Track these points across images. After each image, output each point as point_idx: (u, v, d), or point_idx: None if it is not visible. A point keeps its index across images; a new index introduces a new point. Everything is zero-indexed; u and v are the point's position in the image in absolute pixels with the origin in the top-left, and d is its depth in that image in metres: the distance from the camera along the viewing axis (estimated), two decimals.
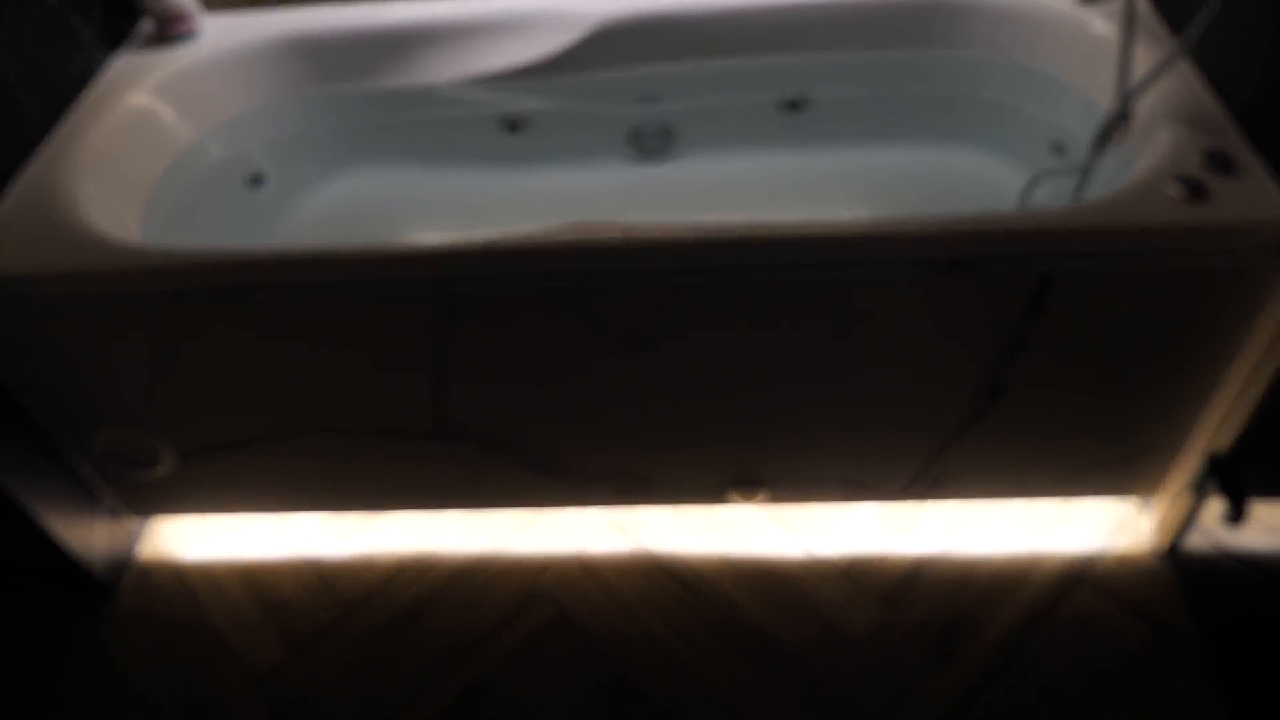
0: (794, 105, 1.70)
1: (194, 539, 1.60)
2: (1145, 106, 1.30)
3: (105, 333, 1.22)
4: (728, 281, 1.14)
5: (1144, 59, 1.33)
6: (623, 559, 1.51)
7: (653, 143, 1.75)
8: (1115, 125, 1.33)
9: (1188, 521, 1.39)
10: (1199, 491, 1.32)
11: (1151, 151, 1.23)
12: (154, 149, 1.46)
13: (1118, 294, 1.13)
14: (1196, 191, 1.11)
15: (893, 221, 1.11)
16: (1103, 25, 1.43)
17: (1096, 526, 1.50)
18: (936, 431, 1.33)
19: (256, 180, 1.66)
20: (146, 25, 1.60)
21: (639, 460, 1.40)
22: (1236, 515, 1.19)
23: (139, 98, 1.46)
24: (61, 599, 1.52)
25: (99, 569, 1.47)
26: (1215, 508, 1.29)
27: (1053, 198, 1.51)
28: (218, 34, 1.60)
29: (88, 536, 1.45)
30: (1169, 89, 1.27)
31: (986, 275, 1.12)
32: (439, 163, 1.78)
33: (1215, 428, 1.27)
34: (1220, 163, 1.15)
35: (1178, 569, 1.43)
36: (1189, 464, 1.34)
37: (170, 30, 1.56)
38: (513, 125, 1.72)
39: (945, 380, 1.25)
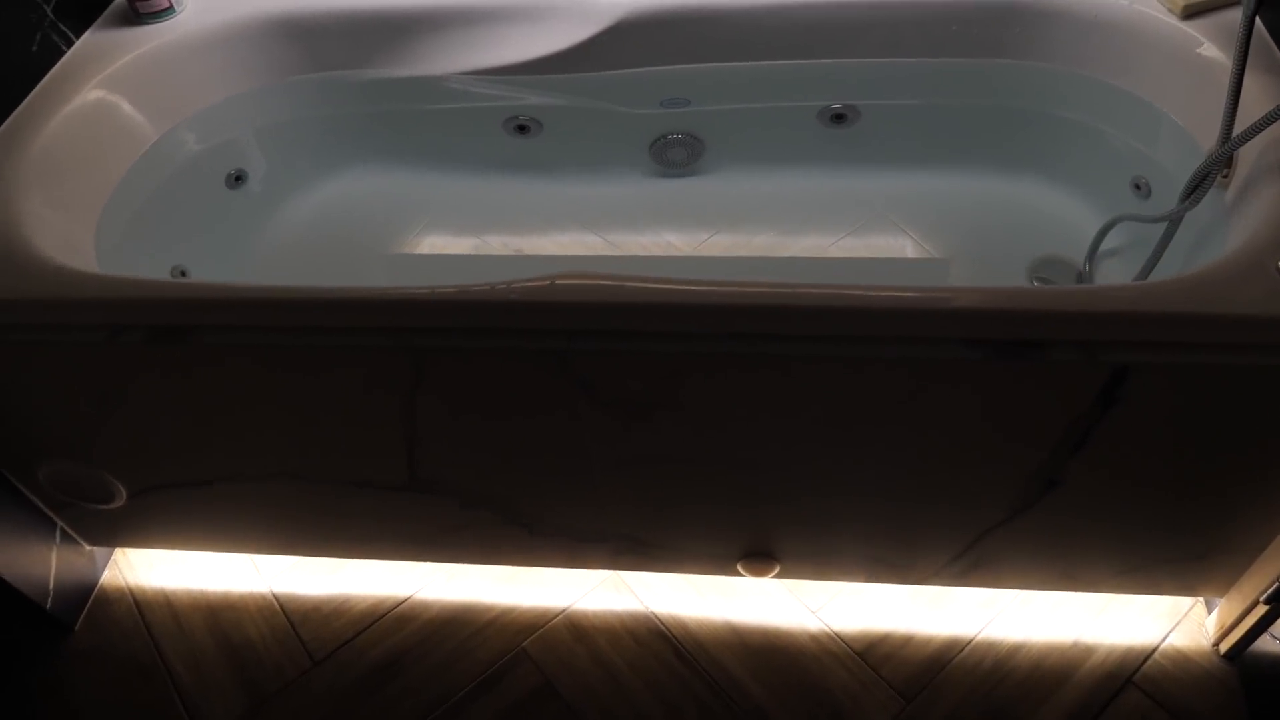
0: (839, 117, 1.49)
1: (158, 568, 1.48)
2: (1253, 152, 1.10)
3: (39, 364, 1.09)
4: (742, 352, 0.97)
5: (1259, 94, 1.12)
6: (616, 621, 1.37)
7: (677, 153, 1.56)
8: (1215, 171, 1.13)
9: (1259, 626, 1.21)
10: (1276, 605, 1.14)
11: (1257, 211, 1.03)
12: (115, 146, 1.31)
13: (1206, 390, 0.95)
14: None
15: (939, 293, 0.94)
16: (1212, 47, 1.21)
17: (1152, 618, 1.32)
18: (978, 518, 1.16)
19: (238, 179, 1.51)
20: (119, 1, 1.44)
21: (638, 526, 1.25)
22: None
23: (99, 86, 1.30)
24: (16, 633, 1.42)
25: (53, 602, 1.36)
26: None
27: (1130, 245, 1.31)
28: (198, 11, 1.43)
29: (41, 567, 1.34)
30: None
31: (1050, 363, 0.94)
32: (440, 165, 1.62)
33: None
34: None
35: (1242, 676, 1.26)
36: (1269, 569, 1.15)
37: (144, 7, 1.40)
38: (522, 127, 1.55)
39: (991, 469, 1.08)
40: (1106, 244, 1.33)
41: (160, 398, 1.12)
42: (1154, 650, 1.29)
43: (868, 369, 0.97)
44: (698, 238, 1.57)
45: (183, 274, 1.39)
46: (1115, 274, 1.36)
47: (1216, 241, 1.14)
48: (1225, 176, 1.15)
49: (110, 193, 1.26)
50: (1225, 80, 1.17)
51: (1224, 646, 1.28)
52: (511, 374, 1.03)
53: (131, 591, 1.46)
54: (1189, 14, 1.24)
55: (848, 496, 1.15)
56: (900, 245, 1.51)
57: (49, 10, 1.33)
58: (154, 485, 1.27)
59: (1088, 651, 1.30)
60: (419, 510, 1.25)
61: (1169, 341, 0.92)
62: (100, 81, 1.30)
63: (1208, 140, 1.21)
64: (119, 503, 1.30)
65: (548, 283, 0.99)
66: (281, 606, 1.42)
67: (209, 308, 1.02)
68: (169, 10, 1.42)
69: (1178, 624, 1.32)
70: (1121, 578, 1.25)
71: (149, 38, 1.39)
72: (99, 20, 1.42)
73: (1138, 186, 1.33)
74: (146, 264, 1.33)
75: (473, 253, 1.59)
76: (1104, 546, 1.19)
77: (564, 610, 1.39)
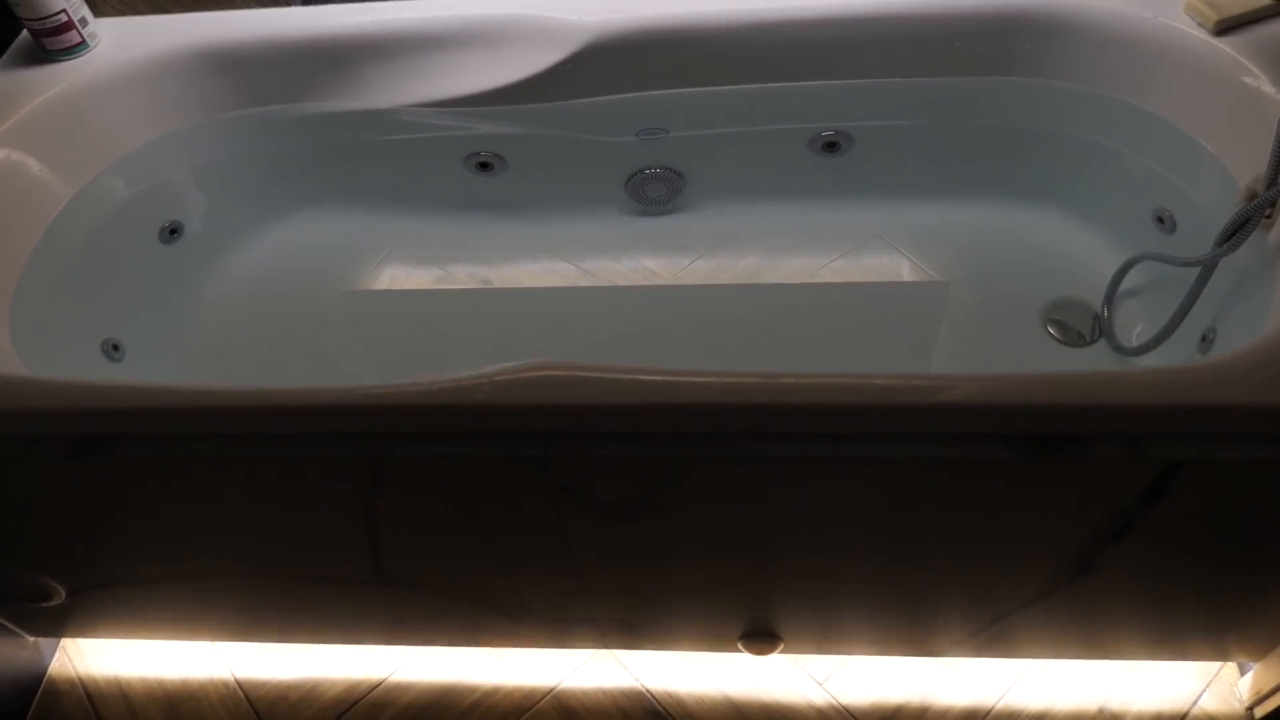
0: (832, 145, 1.36)
1: (110, 655, 1.37)
2: None
3: None
4: (742, 451, 0.86)
5: None
6: (607, 699, 1.27)
7: (655, 189, 1.42)
8: (1258, 215, 1.02)
9: None
10: None
11: None
12: (24, 212, 1.16)
13: (1265, 480, 0.85)
14: None
15: (967, 384, 0.82)
16: (1248, 65, 1.09)
17: (1182, 678, 1.24)
18: (1000, 600, 1.06)
19: (173, 232, 1.36)
20: (25, 37, 1.29)
21: (628, 611, 1.15)
22: None
23: (2, 143, 1.15)
24: None
25: None
26: None
27: (1153, 285, 1.20)
28: (113, 45, 1.28)
29: None
30: None
31: (1092, 459, 0.83)
32: (396, 206, 1.48)
33: None
34: None
35: None
36: None
37: (53, 44, 1.24)
38: (484, 164, 1.40)
39: (1017, 559, 0.98)
40: (1126, 282, 1.23)
41: (93, 507, 0.99)
42: (1184, 717, 1.21)
43: (884, 467, 0.86)
44: (678, 264, 1.44)
45: (115, 347, 1.25)
46: (1138, 318, 1.25)
47: (1257, 290, 1.03)
48: (1268, 216, 1.04)
49: (22, 266, 1.12)
50: (1263, 104, 1.06)
51: (1259, 712, 1.20)
52: (482, 478, 0.91)
53: (83, 682, 1.35)
54: (1222, 29, 1.12)
55: (858, 584, 1.05)
56: (899, 272, 1.40)
57: None
58: (95, 585, 1.15)
59: (1116, 717, 1.22)
60: (389, 601, 1.14)
61: (1228, 433, 0.82)
62: (2, 137, 1.15)
63: (1241, 169, 1.10)
64: (58, 600, 1.18)
65: (522, 376, 0.87)
66: (246, 694, 1.31)
67: (137, 416, 0.90)
68: (81, 46, 1.26)
69: (1208, 685, 1.24)
70: (1152, 647, 1.16)
71: (60, 77, 1.23)
72: (2, 59, 1.27)
73: (1161, 220, 1.21)
74: (73, 341, 1.19)
75: (436, 286, 1.46)
76: (1135, 619, 1.10)
77: (552, 689, 1.29)
